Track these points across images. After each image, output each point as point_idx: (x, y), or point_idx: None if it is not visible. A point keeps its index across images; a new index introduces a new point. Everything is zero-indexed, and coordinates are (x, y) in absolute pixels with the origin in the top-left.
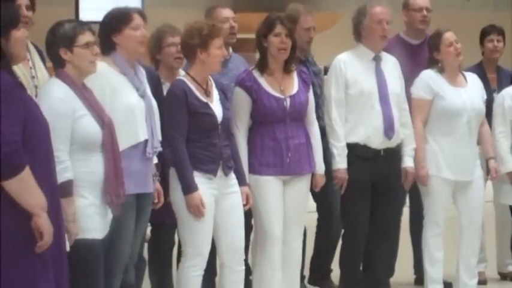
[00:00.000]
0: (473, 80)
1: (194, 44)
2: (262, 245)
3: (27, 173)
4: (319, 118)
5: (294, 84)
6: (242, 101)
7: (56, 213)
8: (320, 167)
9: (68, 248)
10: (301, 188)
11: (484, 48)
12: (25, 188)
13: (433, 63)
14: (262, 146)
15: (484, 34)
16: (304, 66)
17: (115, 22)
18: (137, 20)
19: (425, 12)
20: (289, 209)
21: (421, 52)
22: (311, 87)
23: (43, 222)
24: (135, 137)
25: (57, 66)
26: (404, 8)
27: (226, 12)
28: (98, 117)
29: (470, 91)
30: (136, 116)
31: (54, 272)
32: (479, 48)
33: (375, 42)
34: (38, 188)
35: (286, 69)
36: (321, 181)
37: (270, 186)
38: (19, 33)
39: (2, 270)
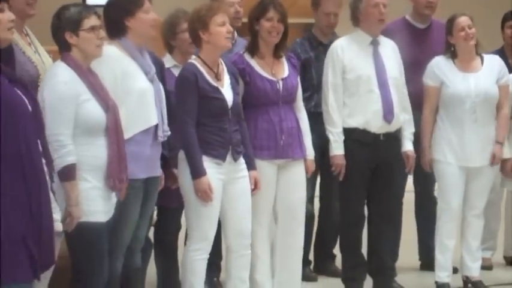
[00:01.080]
0: (491, 63)
1: (196, 27)
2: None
3: None
4: None
5: (285, 68)
6: None
7: (32, 203)
8: (310, 152)
9: (60, 228)
10: (296, 173)
11: (504, 34)
12: None
13: (448, 47)
14: (255, 129)
15: (504, 20)
16: (326, 50)
17: (128, 5)
18: (147, 3)
19: None
20: (288, 196)
21: (426, 36)
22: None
23: None
24: (147, 121)
25: (63, 50)
26: None
27: None
28: (102, 101)
29: (481, 76)
30: (148, 100)
31: (26, 257)
32: (488, 32)
33: (373, 26)
34: None
35: (276, 54)
36: (311, 166)
37: (263, 171)
38: (2, 16)
39: None
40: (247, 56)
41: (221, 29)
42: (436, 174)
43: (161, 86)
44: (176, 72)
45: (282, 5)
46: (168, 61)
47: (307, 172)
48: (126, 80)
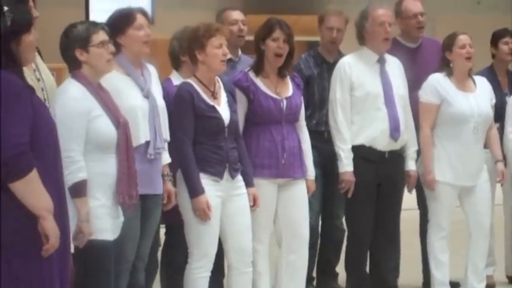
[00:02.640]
0: (482, 84)
1: (193, 46)
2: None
3: (34, 175)
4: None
5: (289, 87)
6: (238, 101)
7: (61, 216)
8: (312, 172)
9: (72, 249)
10: (298, 192)
11: (498, 50)
12: (31, 190)
13: (444, 63)
14: (257, 147)
15: (498, 37)
16: (331, 68)
17: (118, 23)
18: (140, 19)
19: (420, 18)
20: (290, 215)
21: (418, 55)
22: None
23: (50, 225)
24: (135, 139)
25: (73, 68)
26: (397, 16)
27: (236, 15)
28: (113, 117)
29: (478, 96)
30: (138, 118)
31: (59, 271)
32: (489, 52)
33: (378, 45)
34: (44, 190)
35: (281, 74)
36: (312, 186)
37: (263, 190)
38: (30, 37)
39: (8, 270)
40: (251, 75)
41: (217, 51)
42: (428, 193)
43: (159, 102)
44: None
45: (288, 25)
46: (176, 78)
47: (308, 192)
48: (116, 98)
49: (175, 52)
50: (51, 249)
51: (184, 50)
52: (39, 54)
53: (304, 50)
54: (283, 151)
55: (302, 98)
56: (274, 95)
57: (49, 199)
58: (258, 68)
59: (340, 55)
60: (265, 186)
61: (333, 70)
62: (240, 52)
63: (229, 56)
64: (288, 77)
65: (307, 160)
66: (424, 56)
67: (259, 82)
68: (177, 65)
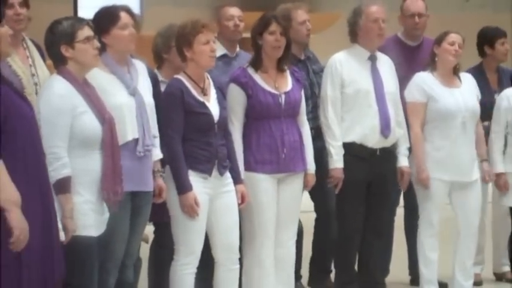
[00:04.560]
0: (467, 80)
1: (180, 43)
2: (253, 244)
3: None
4: (316, 118)
5: (288, 82)
6: (237, 97)
7: (45, 213)
8: (311, 166)
9: (63, 238)
10: (295, 187)
11: (495, 51)
12: None
13: (430, 58)
14: (258, 143)
15: (494, 37)
16: (304, 65)
17: (102, 23)
18: (124, 18)
19: (416, 19)
20: (284, 208)
21: (417, 54)
22: (310, 86)
23: (13, 217)
24: (122, 136)
25: (59, 64)
26: (401, 12)
27: (232, 11)
28: (98, 113)
29: (464, 91)
30: (124, 116)
31: (41, 271)
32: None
33: (372, 41)
34: (11, 183)
35: (280, 68)
36: (312, 180)
37: (264, 185)
38: (2, 30)
39: None
40: (250, 70)
41: (204, 47)
42: (418, 190)
43: (146, 99)
44: (163, 87)
45: (284, 18)
46: None
47: (306, 186)
48: (102, 96)
49: (159, 49)
50: (17, 243)
51: (168, 47)
52: (40, 50)
53: None
54: (283, 146)
55: (302, 92)
56: (272, 90)
57: (15, 192)
58: (257, 63)
59: (309, 51)
60: (265, 181)
61: (308, 66)
62: (238, 48)
63: (224, 51)
64: (288, 72)
65: (308, 154)
66: (422, 55)
67: (257, 77)
68: (159, 62)
